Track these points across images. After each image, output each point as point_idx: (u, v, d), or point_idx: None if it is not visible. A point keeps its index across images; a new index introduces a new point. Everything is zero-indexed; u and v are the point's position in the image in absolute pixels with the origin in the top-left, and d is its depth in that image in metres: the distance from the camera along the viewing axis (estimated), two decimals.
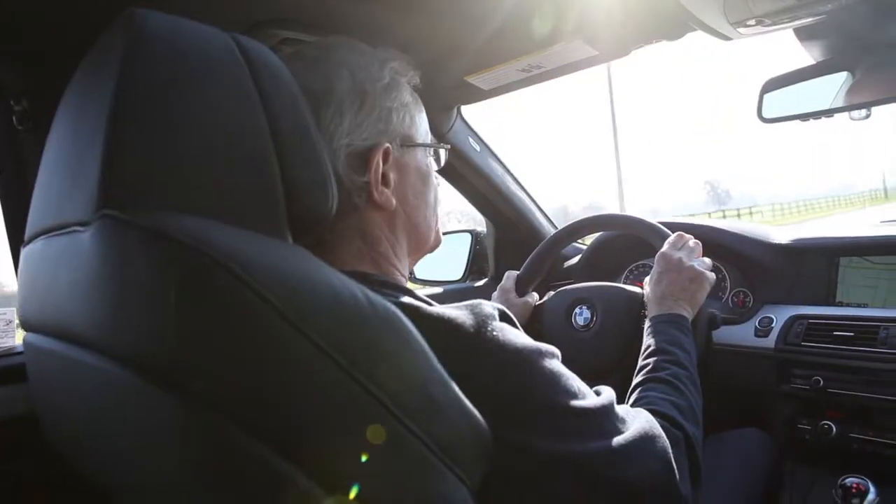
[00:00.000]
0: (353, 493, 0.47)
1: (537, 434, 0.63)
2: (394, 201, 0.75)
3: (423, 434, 0.51)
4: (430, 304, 0.65)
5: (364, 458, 0.47)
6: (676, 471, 0.71)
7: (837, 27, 1.14)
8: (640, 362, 0.96)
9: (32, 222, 0.65)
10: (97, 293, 0.49)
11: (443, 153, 0.86)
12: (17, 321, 1.05)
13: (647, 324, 1.05)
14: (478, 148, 1.79)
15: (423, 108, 0.83)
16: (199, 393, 0.43)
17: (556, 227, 1.85)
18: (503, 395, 0.62)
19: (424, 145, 0.81)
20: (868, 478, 1.19)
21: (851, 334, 1.24)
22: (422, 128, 0.81)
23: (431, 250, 0.86)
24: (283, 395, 0.45)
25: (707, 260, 1.14)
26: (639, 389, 0.88)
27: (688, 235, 1.18)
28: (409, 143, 0.78)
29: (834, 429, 1.26)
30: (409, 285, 0.76)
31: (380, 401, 0.49)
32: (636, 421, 0.72)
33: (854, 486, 1.19)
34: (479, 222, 2.08)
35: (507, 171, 1.87)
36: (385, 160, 0.74)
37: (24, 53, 0.99)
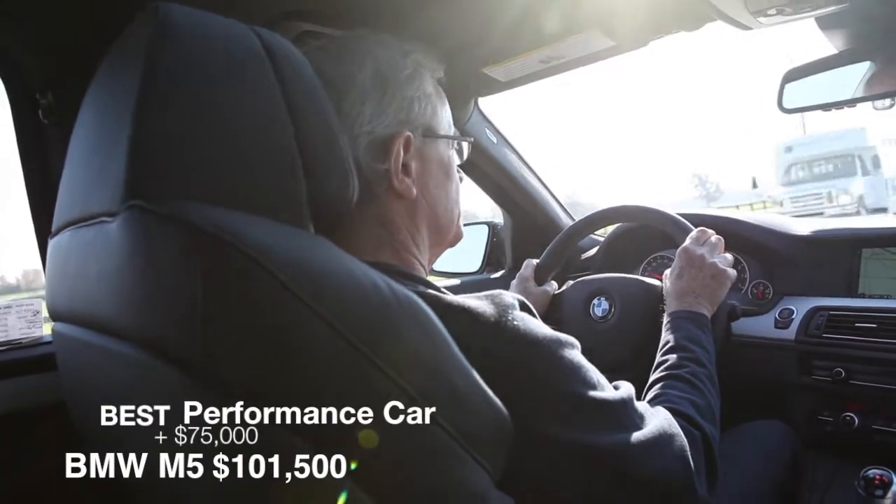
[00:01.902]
0: (373, 477, 0.48)
1: (555, 423, 0.63)
2: (414, 190, 0.75)
3: (445, 422, 0.51)
4: (449, 294, 0.66)
5: (387, 445, 0.48)
6: (693, 470, 0.72)
7: (860, 15, 1.12)
8: (659, 358, 0.96)
9: (60, 214, 0.66)
10: (125, 282, 0.50)
11: (465, 146, 0.86)
12: (44, 312, 1.08)
13: (665, 319, 1.05)
14: (495, 140, 1.78)
15: (446, 102, 0.83)
16: (225, 379, 0.44)
17: (574, 219, 1.85)
18: (523, 384, 0.63)
19: (447, 137, 0.81)
20: (891, 469, 1.18)
21: (874, 326, 1.22)
22: (444, 120, 0.81)
23: (452, 244, 0.86)
24: (306, 381, 0.46)
25: (729, 256, 1.13)
26: (657, 386, 0.88)
27: (710, 231, 1.17)
28: (431, 134, 0.78)
29: (856, 421, 1.25)
30: (429, 277, 0.77)
31: (402, 388, 0.49)
32: (655, 418, 0.73)
33: (877, 477, 1.17)
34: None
35: (524, 162, 1.86)
36: (406, 149, 0.74)
37: (48, 48, 1.00)
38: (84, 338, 0.60)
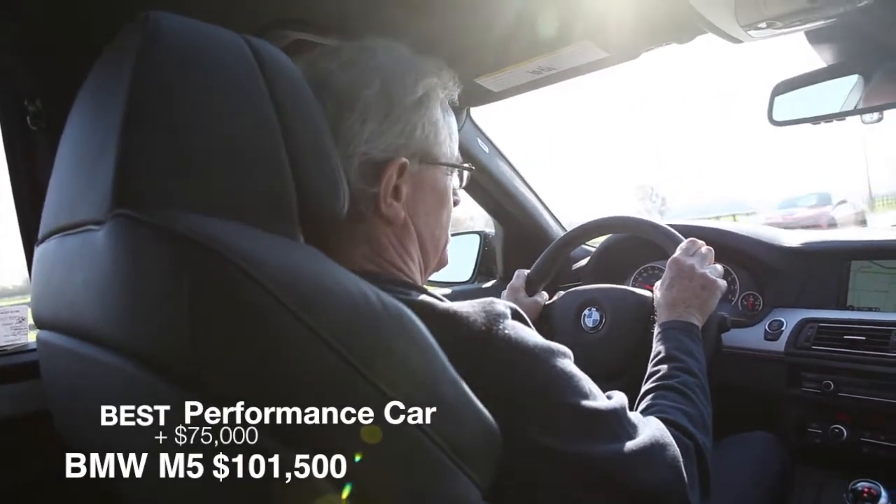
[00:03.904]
0: (359, 488, 0.47)
1: (547, 432, 0.63)
2: (402, 214, 0.74)
3: (433, 434, 0.51)
4: (442, 301, 0.65)
5: (375, 457, 0.48)
6: (686, 480, 0.71)
7: (849, 30, 1.13)
8: (650, 368, 0.96)
9: (46, 221, 0.66)
10: (111, 291, 0.49)
11: (465, 174, 0.85)
12: (30, 319, 1.07)
13: (656, 329, 1.05)
14: (486, 150, 1.79)
15: (454, 126, 0.81)
16: (211, 390, 0.44)
17: (565, 229, 1.85)
18: (514, 393, 0.62)
19: (446, 164, 0.79)
20: (879, 482, 1.18)
21: (863, 338, 1.23)
22: (446, 146, 0.79)
23: (436, 269, 0.85)
24: (294, 392, 0.46)
25: (719, 267, 1.13)
26: (649, 396, 0.88)
27: (700, 241, 1.17)
28: (429, 160, 0.76)
29: (845, 433, 1.25)
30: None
31: (387, 396, 0.49)
32: (647, 428, 0.72)
33: (865, 490, 1.18)
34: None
35: (516, 172, 1.87)
36: (400, 174, 0.73)
37: (37, 55, 0.99)
38: (69, 346, 0.59)
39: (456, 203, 0.84)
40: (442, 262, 0.85)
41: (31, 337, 1.10)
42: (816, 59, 1.23)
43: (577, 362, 0.71)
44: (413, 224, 0.77)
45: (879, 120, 1.19)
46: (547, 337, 0.69)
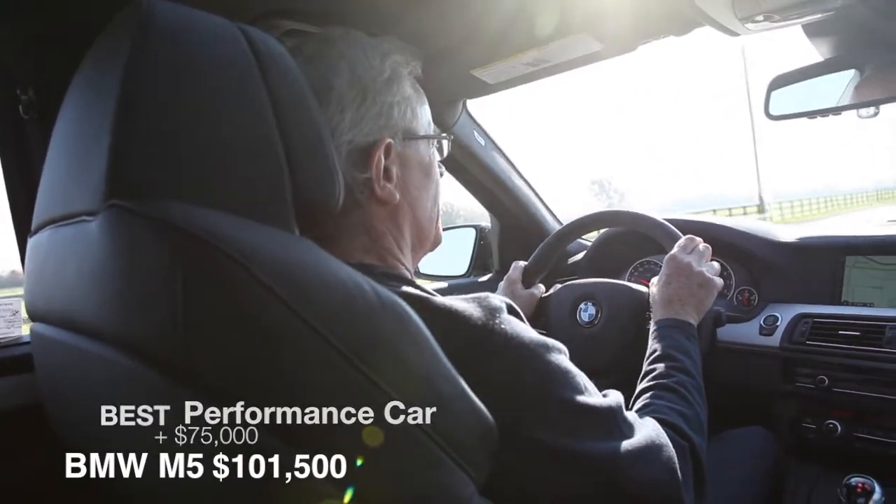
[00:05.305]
0: (358, 485, 0.47)
1: (542, 428, 0.63)
2: (397, 195, 0.75)
3: (431, 430, 0.51)
4: (436, 296, 0.65)
5: (374, 454, 0.47)
6: (681, 480, 0.71)
7: (847, 23, 1.13)
8: (646, 367, 0.96)
9: (39, 212, 0.65)
10: (105, 283, 0.49)
11: (445, 144, 0.86)
12: (23, 312, 1.06)
13: (652, 326, 1.05)
14: (483, 142, 1.78)
15: (425, 99, 0.82)
16: (204, 383, 0.44)
17: (561, 223, 1.85)
18: (509, 388, 0.62)
19: (427, 137, 0.80)
20: (873, 477, 1.19)
21: (857, 334, 1.23)
22: (424, 119, 0.80)
23: (432, 248, 0.85)
24: (288, 384, 0.45)
25: (716, 265, 1.14)
26: (645, 396, 0.88)
27: (698, 239, 1.18)
28: (411, 136, 0.77)
29: (839, 428, 1.26)
30: (416, 280, 0.76)
31: (385, 392, 0.48)
32: (643, 428, 0.72)
33: (859, 485, 1.18)
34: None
35: (513, 165, 1.86)
36: (387, 155, 0.74)
37: (31, 43, 0.98)
38: (62, 339, 0.59)
39: (440, 175, 0.85)
40: (437, 240, 0.85)
41: (25, 330, 1.09)
42: (814, 52, 1.23)
43: (571, 357, 0.71)
44: (407, 202, 0.78)
45: (876, 114, 1.19)
46: (542, 330, 0.69)
